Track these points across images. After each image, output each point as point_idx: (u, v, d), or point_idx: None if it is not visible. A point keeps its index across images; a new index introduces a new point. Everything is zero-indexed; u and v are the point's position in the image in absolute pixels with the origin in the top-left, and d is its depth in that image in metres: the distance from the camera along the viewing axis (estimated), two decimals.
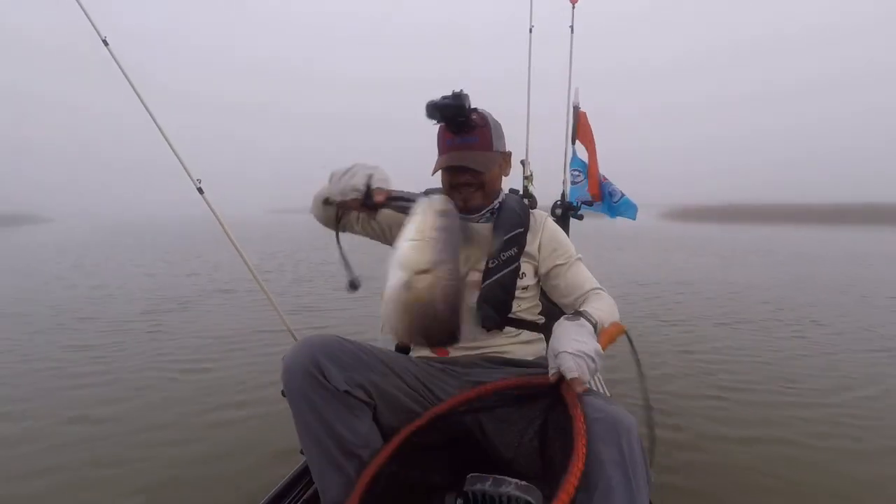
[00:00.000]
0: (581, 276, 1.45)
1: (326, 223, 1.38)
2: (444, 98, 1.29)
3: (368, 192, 1.09)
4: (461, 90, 1.29)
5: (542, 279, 1.49)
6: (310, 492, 1.40)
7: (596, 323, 1.19)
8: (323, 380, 1.15)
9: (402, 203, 1.11)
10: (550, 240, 1.49)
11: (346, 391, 1.17)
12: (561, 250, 1.48)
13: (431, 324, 0.92)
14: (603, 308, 1.29)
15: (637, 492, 1.00)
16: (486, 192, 1.43)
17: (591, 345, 1.08)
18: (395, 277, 0.91)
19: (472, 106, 1.33)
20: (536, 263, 1.47)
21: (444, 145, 1.38)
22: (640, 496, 1.00)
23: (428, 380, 1.34)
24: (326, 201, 1.25)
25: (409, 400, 1.29)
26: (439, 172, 1.43)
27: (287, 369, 1.17)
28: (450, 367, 1.37)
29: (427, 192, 1.19)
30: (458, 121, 1.33)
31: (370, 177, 1.10)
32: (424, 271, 0.90)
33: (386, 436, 1.22)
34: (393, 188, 1.13)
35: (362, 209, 1.13)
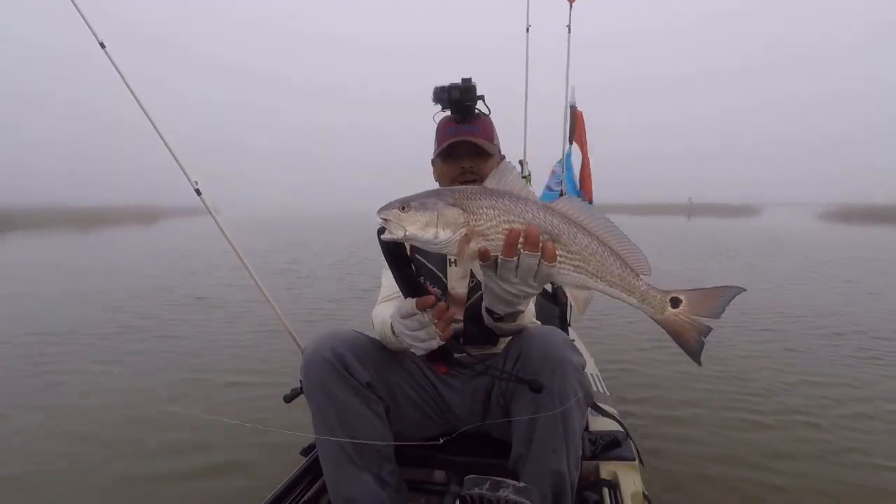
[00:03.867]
0: None
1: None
2: (453, 83, 1.33)
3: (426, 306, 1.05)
4: (470, 77, 1.34)
5: None
6: (311, 492, 1.40)
7: None
8: (344, 371, 1.15)
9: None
10: None
11: (367, 383, 1.18)
12: None
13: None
14: None
15: (567, 426, 1.09)
16: None
17: None
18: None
19: (480, 94, 1.35)
20: None
21: (445, 134, 1.37)
22: (569, 431, 1.10)
23: (439, 384, 1.36)
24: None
25: (421, 402, 1.32)
26: (434, 175, 1.43)
27: (308, 359, 1.17)
28: (454, 368, 1.38)
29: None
30: (464, 105, 1.34)
31: (405, 312, 1.06)
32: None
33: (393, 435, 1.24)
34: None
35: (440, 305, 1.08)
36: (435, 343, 1.05)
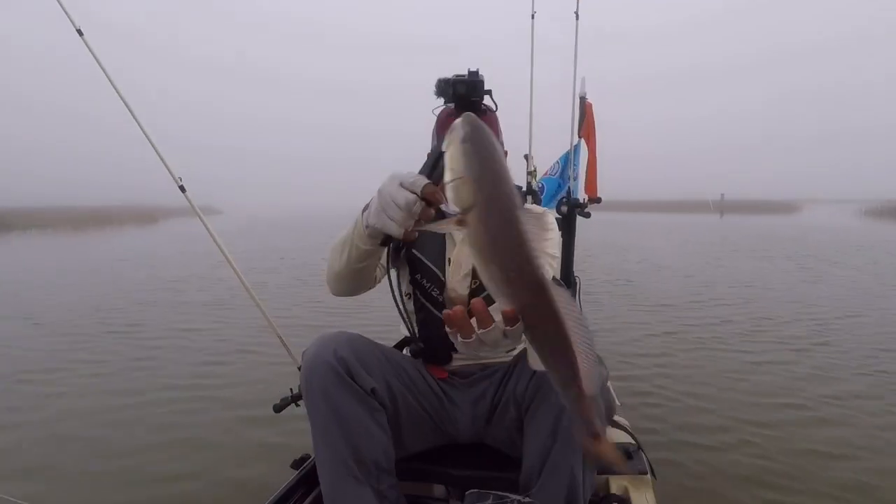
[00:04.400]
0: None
1: (357, 284, 1.19)
2: (459, 76, 1.22)
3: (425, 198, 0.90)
4: (477, 69, 1.22)
5: None
6: None
7: None
8: (348, 378, 1.08)
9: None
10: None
11: (372, 390, 1.11)
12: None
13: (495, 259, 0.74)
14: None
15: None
16: None
17: None
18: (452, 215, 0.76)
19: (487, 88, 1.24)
20: None
21: None
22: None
23: (438, 390, 1.30)
24: (365, 247, 1.03)
25: (422, 411, 1.26)
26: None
27: (309, 364, 1.09)
28: (454, 377, 1.33)
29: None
30: (471, 100, 1.23)
31: (407, 188, 0.89)
32: (477, 194, 0.72)
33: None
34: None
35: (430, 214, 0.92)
36: (407, 219, 0.89)
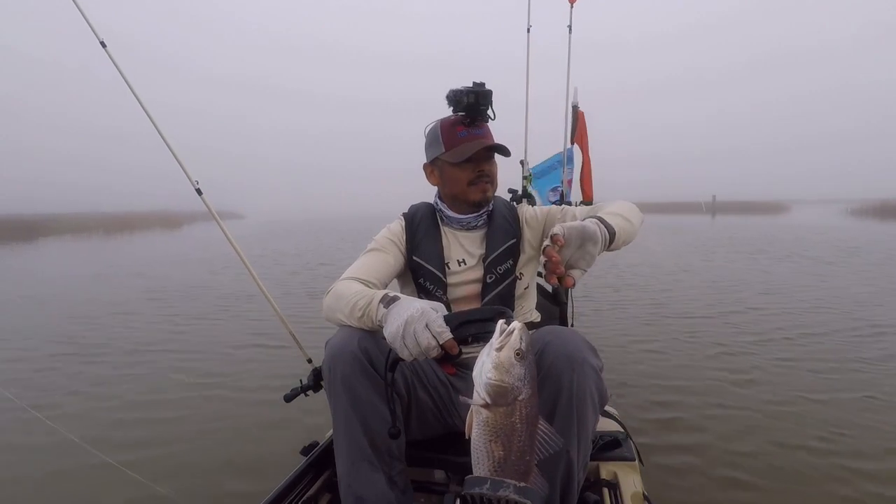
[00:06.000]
0: (580, 208, 1.45)
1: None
2: (469, 88, 1.33)
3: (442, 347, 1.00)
4: (483, 83, 1.35)
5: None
6: (312, 491, 1.42)
7: (615, 233, 1.10)
8: (370, 367, 1.14)
9: (475, 335, 1.03)
10: (536, 220, 1.49)
11: (392, 380, 1.16)
12: (545, 216, 1.48)
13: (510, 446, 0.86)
14: (618, 210, 1.22)
15: (581, 426, 1.10)
16: (494, 189, 1.44)
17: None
18: (479, 399, 0.84)
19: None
20: (537, 253, 1.48)
21: (457, 137, 1.37)
22: (582, 431, 1.11)
23: (448, 384, 1.37)
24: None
25: (431, 402, 1.34)
26: (434, 176, 1.45)
27: (334, 353, 1.14)
28: (462, 370, 1.40)
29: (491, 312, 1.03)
30: (479, 109, 1.35)
31: (432, 332, 0.98)
32: (513, 398, 0.82)
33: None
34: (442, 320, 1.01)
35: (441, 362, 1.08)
36: (434, 352, 0.99)
